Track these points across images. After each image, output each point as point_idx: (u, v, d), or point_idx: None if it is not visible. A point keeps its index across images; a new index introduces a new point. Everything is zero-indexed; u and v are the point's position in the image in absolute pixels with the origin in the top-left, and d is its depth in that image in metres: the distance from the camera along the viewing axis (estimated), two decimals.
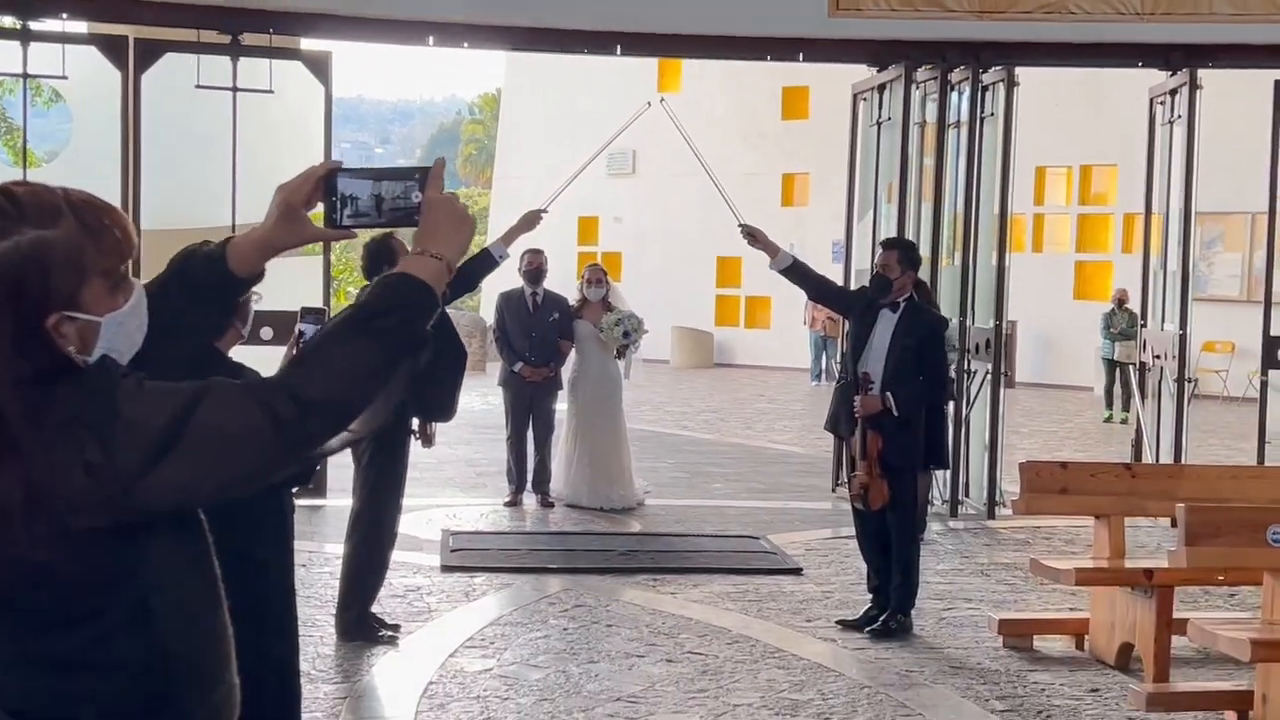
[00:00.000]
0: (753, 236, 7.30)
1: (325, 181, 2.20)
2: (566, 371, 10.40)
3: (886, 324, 6.98)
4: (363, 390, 1.96)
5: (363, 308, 2.02)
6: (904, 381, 6.87)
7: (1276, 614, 5.48)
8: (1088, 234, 22.84)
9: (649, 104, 8.59)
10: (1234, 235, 20.46)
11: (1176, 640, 6.15)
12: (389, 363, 1.98)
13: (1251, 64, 10.37)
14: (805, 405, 18.74)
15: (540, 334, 10.25)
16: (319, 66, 10.00)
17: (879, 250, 7.33)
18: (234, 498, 1.95)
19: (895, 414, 6.85)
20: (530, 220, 7.55)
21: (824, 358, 21.19)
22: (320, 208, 2.25)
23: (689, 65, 25.31)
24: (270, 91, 9.76)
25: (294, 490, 4.13)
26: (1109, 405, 17.51)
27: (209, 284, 2.23)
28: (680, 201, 23.56)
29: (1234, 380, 19.52)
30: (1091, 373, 19.64)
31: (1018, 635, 6.89)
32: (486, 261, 6.95)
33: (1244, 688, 5.70)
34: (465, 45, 10.42)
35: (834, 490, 10.71)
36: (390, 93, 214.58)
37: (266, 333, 9.42)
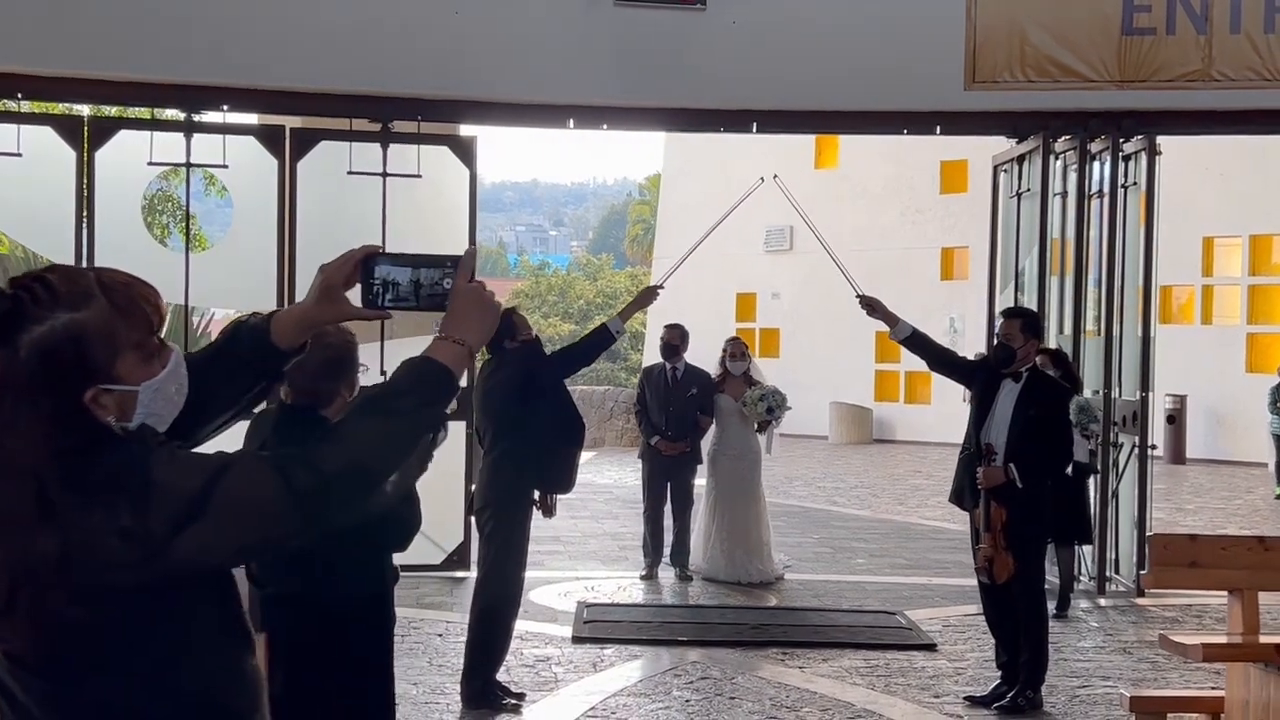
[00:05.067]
0: (871, 307, 7.32)
1: (364, 264, 2.36)
2: (706, 445, 10.49)
3: (1009, 394, 6.92)
4: (379, 466, 2.11)
5: (384, 388, 2.18)
6: (1028, 452, 6.78)
7: None
8: (1259, 305, 22.12)
9: (761, 180, 8.68)
10: None
11: None
12: (407, 441, 2.13)
13: None
14: None
15: (678, 408, 10.37)
16: (465, 150, 10.38)
17: (1000, 320, 7.27)
18: (257, 560, 2.09)
19: (1019, 485, 6.77)
20: (646, 297, 7.69)
21: None
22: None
23: (846, 141, 25.44)
24: (418, 176, 10.15)
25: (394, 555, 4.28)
26: None
27: (254, 354, 2.41)
28: (838, 276, 23.45)
29: None
30: (1265, 448, 18.92)
31: (1150, 713, 6.66)
32: (603, 337, 7.11)
33: None
34: (604, 127, 10.69)
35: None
36: (565, 175, 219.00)
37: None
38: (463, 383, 8.78)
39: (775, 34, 10.05)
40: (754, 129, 10.64)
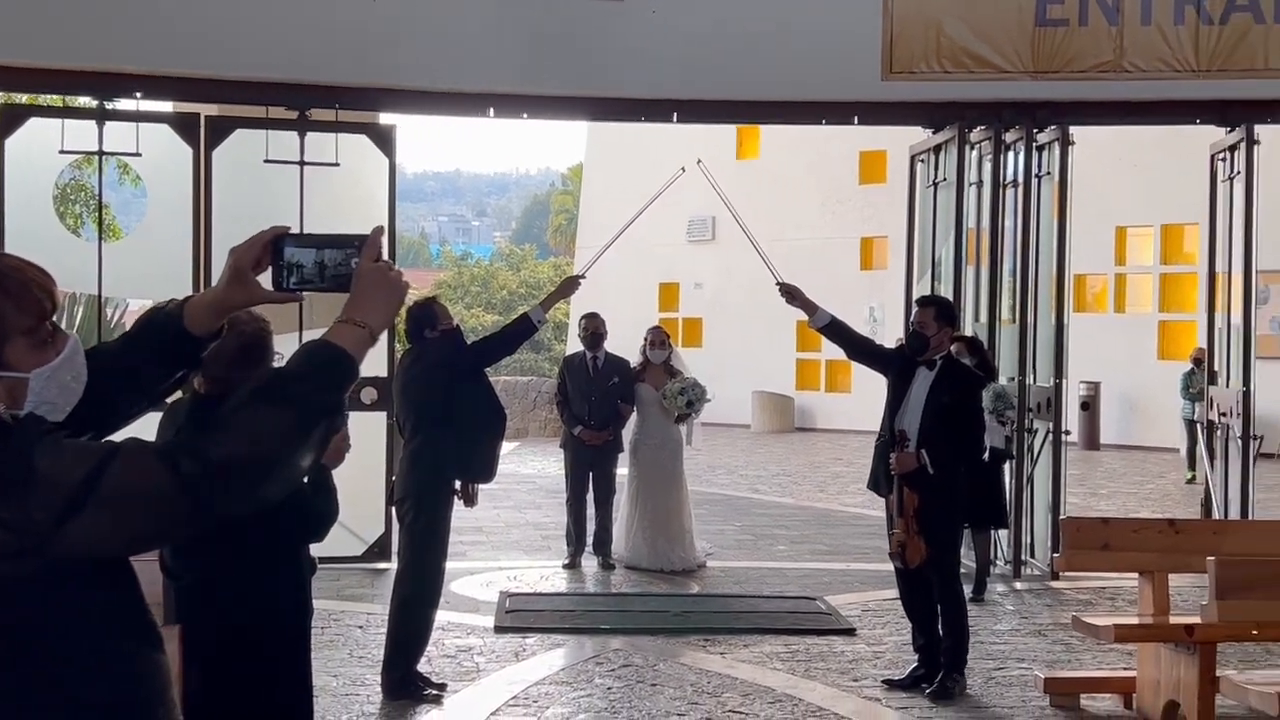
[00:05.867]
0: (790, 295, 7.38)
1: (273, 246, 2.33)
2: (627, 434, 10.52)
3: (923, 382, 7.00)
4: (273, 453, 2.03)
5: (279, 373, 2.12)
6: (939, 439, 6.87)
7: None
8: (1171, 293, 22.57)
9: (683, 169, 8.71)
10: None
11: (1229, 699, 6.06)
12: (302, 427, 2.06)
13: None
14: None
15: (600, 398, 10.39)
16: (384, 139, 10.30)
17: (915, 308, 7.36)
18: (151, 549, 2.04)
19: (930, 471, 6.86)
20: (568, 287, 7.69)
21: None
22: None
23: (767, 132, 25.57)
24: (336, 165, 10.06)
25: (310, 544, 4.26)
26: (1191, 466, 17.19)
27: (167, 341, 2.37)
28: (760, 266, 23.60)
29: None
30: (1176, 434, 19.30)
31: (1064, 694, 6.82)
32: (524, 327, 7.10)
33: None
34: (525, 116, 10.67)
35: None
36: (487, 165, 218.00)
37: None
38: (383, 369, 8.62)
39: (695, 24, 10.08)
40: (674, 119, 10.68)
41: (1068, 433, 10.51)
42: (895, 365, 7.18)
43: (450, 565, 7.28)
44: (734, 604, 9.25)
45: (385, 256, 2.30)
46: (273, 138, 9.97)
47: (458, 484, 6.83)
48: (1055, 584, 9.98)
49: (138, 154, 9.84)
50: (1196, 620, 6.02)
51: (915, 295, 11.23)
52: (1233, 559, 5.62)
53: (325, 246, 2.32)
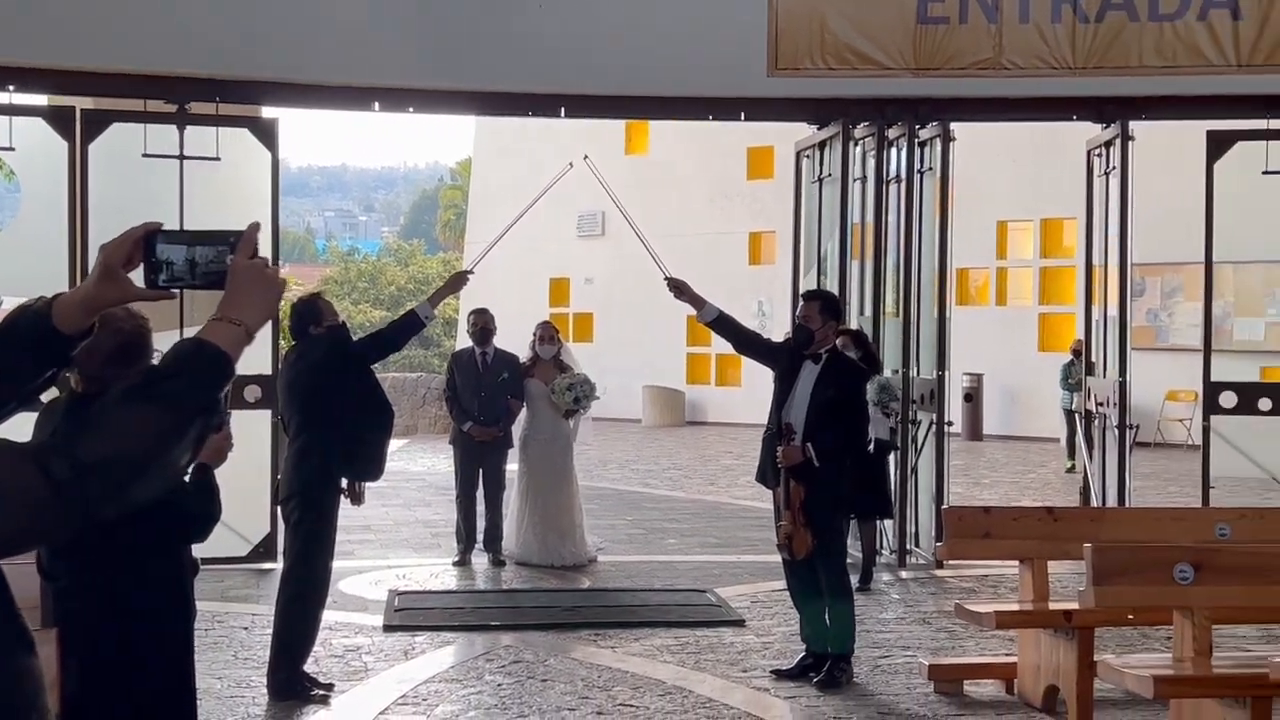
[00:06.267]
0: (679, 289, 7.43)
1: (145, 243, 2.28)
2: (517, 429, 10.49)
3: (809, 375, 7.08)
4: (145, 453, 1.99)
5: (151, 372, 2.08)
6: (824, 432, 6.95)
7: (1185, 651, 5.55)
8: (1050, 286, 23.07)
9: (570, 164, 8.71)
10: (1193, 285, 20.65)
11: (1107, 682, 6.20)
12: (176, 427, 2.02)
13: (1181, 115, 10.57)
14: None
15: (489, 393, 10.34)
16: (266, 133, 10.14)
17: (801, 302, 7.44)
18: (24, 551, 1.99)
19: (816, 464, 6.94)
20: (456, 282, 7.65)
21: None
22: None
23: (656, 127, 25.64)
24: (217, 159, 9.88)
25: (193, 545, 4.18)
26: (1070, 455, 17.59)
27: (36, 340, 2.31)
28: (649, 261, 23.65)
29: (1198, 428, 19.63)
30: (1057, 424, 19.75)
31: (948, 680, 6.95)
32: (412, 322, 7.04)
33: None
34: (410, 110, 10.59)
35: None
36: (374, 159, 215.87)
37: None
38: (267, 367, 8.50)
39: (583, 18, 10.09)
40: (562, 113, 10.67)
41: (950, 424, 10.69)
42: (782, 359, 7.26)
43: (338, 564, 7.22)
44: (624, 598, 9.27)
45: (263, 253, 2.27)
46: (151, 131, 9.77)
47: (344, 482, 6.76)
48: (939, 572, 10.16)
49: (11, 148, 9.58)
50: (1075, 606, 6.16)
51: (801, 290, 11.36)
52: (1109, 545, 5.76)
53: (198, 243, 2.28)
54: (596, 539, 11.02)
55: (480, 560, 10.40)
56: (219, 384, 2.09)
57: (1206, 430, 10.51)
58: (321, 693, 6.68)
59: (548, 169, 9.36)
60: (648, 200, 23.80)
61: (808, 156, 11.48)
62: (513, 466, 10.59)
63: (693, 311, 7.50)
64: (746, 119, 11.04)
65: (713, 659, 7.58)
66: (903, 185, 10.65)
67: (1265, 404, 10.30)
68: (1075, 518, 7.05)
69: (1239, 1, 9.74)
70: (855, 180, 10.84)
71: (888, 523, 10.50)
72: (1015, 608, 6.79)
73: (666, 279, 7.47)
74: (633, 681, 7.06)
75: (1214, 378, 10.39)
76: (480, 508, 10.49)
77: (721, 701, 6.72)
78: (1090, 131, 11.13)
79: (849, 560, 8.12)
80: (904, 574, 10.24)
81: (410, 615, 8.52)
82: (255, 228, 2.27)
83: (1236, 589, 5.51)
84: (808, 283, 11.30)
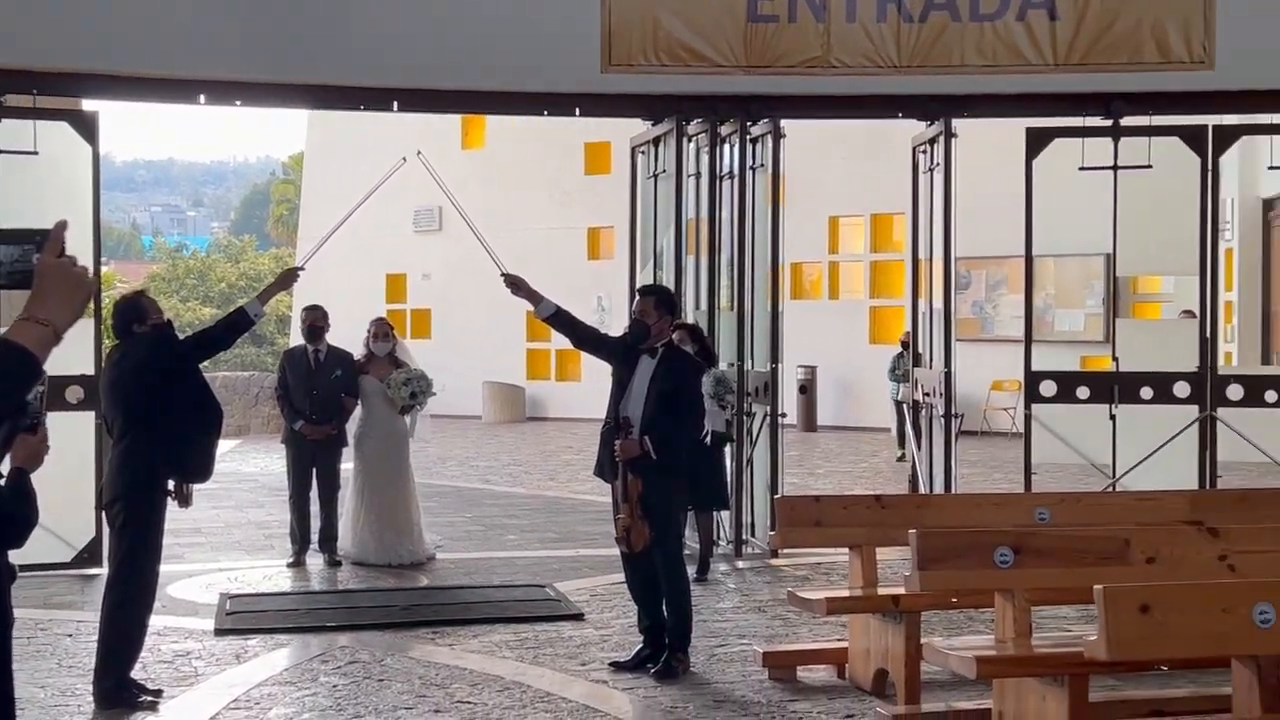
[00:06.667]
0: (516, 285, 7.42)
1: None
2: (352, 427, 10.36)
3: (646, 369, 7.14)
4: None
5: None
6: (661, 425, 7.02)
7: (1006, 633, 5.74)
8: (880, 280, 23.61)
9: (404, 160, 8.63)
10: (1016, 278, 21.31)
11: (934, 664, 6.38)
12: None
13: (1002, 113, 10.92)
14: None
15: (321, 391, 10.19)
16: (87, 127, 9.83)
17: (637, 297, 7.49)
18: None
19: (653, 457, 7.00)
20: (287, 279, 7.51)
21: None
22: None
23: (493, 122, 25.51)
24: (35, 153, 9.56)
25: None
26: (901, 444, 18.00)
27: None
28: (487, 256, 23.54)
29: (1021, 417, 20.29)
30: (887, 414, 20.22)
31: (782, 667, 7.08)
32: (240, 320, 6.89)
33: (986, 707, 5.95)
34: (238, 103, 10.38)
35: None
36: (203, 154, 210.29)
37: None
38: (89, 367, 8.26)
39: (417, 12, 10.00)
40: (395, 107, 10.57)
41: (784, 415, 10.88)
42: (619, 353, 7.30)
43: (167, 568, 7.05)
44: (463, 595, 9.23)
45: (83, 250, 2.22)
46: None
47: (171, 484, 6.60)
48: (775, 561, 10.33)
49: None
50: (902, 591, 6.33)
51: (638, 284, 11.45)
52: (933, 531, 5.93)
53: (2, 242, 2.22)
54: (435, 537, 10.95)
55: (315, 561, 10.25)
56: (26, 385, 2.04)
57: (1028, 418, 10.87)
58: (150, 699, 6.51)
59: (382, 163, 9.25)
60: (485, 195, 23.68)
61: (643, 152, 11.56)
62: (348, 465, 10.46)
63: (531, 307, 7.50)
64: (582, 115, 11.08)
65: (551, 653, 7.60)
66: (736, 181, 10.80)
67: (1084, 392, 10.70)
68: (902, 505, 7.23)
69: (1056, 3, 10.09)
70: (690, 176, 10.95)
71: (724, 514, 10.64)
72: (846, 594, 6.96)
73: (503, 275, 7.46)
74: (471, 678, 7.04)
75: (1035, 367, 10.75)
76: (315, 508, 10.33)
77: (560, 695, 6.74)
78: (916, 129, 11.42)
79: (686, 552, 8.20)
80: (740, 564, 10.39)
81: (242, 619, 8.36)
82: (62, 226, 2.23)
83: (1055, 571, 5.72)
84: (644, 278, 11.39)
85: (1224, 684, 4.85)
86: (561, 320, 7.42)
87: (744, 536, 10.69)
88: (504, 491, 15.18)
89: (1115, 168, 10.47)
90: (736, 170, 10.76)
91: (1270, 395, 10.48)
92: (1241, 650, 4.55)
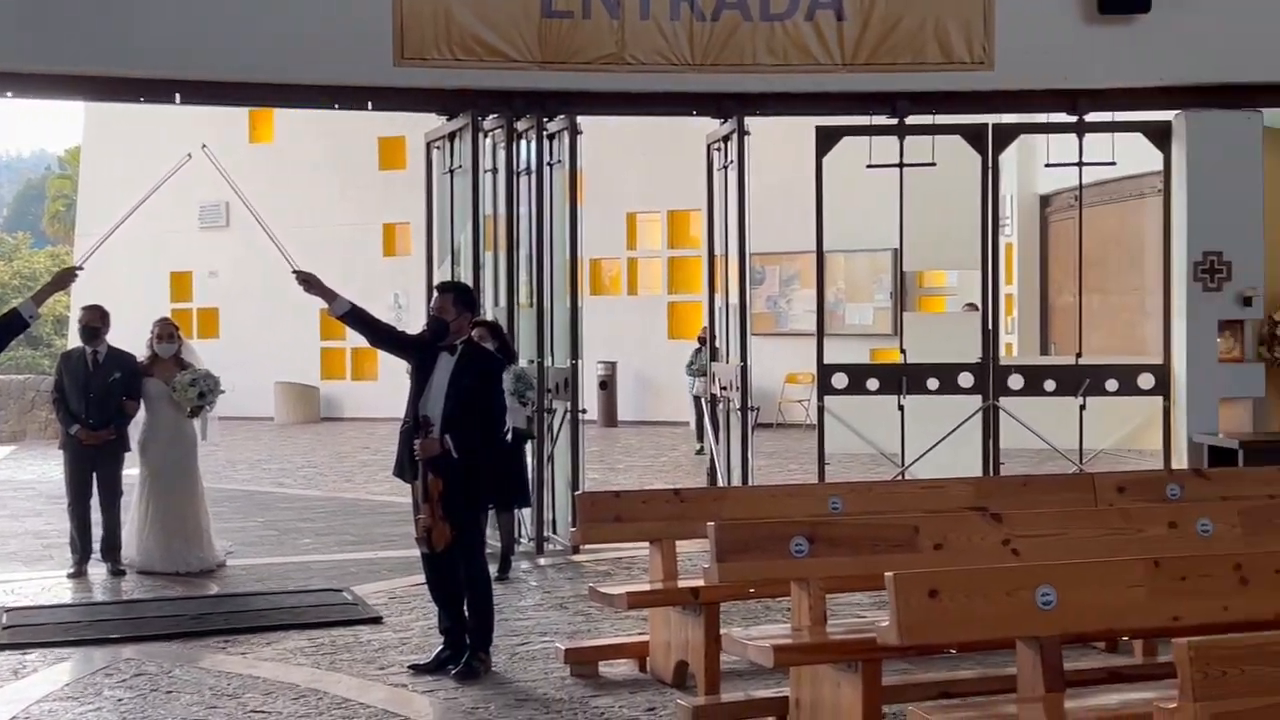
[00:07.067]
0: (308, 283, 7.24)
1: None
2: (135, 432, 9.98)
3: (445, 366, 7.05)
4: None
5: None
6: (462, 423, 6.94)
7: (802, 621, 5.84)
8: (678, 276, 23.87)
9: (189, 155, 8.34)
10: (809, 273, 21.79)
11: (733, 655, 6.44)
12: None
13: (793, 111, 11.10)
14: None
15: (99, 394, 9.78)
16: None
17: (434, 294, 7.39)
18: None
19: (454, 456, 6.92)
20: (63, 279, 7.19)
21: None
22: None
23: (282, 115, 24.91)
24: None
25: None
26: (699, 438, 18.24)
27: None
28: (278, 253, 22.96)
29: (815, 408, 20.75)
30: (686, 408, 20.45)
31: (583, 663, 7.07)
32: (13, 323, 6.55)
33: (783, 694, 6.04)
34: (9, 95, 9.90)
35: None
36: None
37: None
38: None
39: (199, 1, 9.67)
40: (176, 100, 10.21)
41: (585, 411, 10.88)
42: (418, 351, 7.20)
43: None
44: (255, 602, 8.98)
45: None
46: None
47: None
48: (576, 558, 10.33)
49: None
50: (701, 583, 6.38)
51: (435, 281, 11.31)
52: (730, 522, 5.99)
53: None
54: (225, 543, 10.63)
55: (98, 571, 9.84)
56: None
57: (821, 410, 11.10)
58: None
59: (166, 157, 8.92)
60: (275, 191, 23.14)
61: (438, 148, 11.43)
62: (133, 471, 10.07)
63: (325, 305, 7.33)
64: (374, 109, 10.90)
65: (349, 658, 7.44)
66: (533, 177, 10.76)
67: (873, 384, 10.98)
68: (700, 498, 7.28)
69: (843, 3, 10.32)
70: (486, 172, 10.86)
71: (526, 511, 10.59)
72: (646, 588, 6.98)
73: (295, 272, 7.26)
74: (264, 687, 6.84)
75: (827, 360, 10.99)
76: (96, 515, 9.91)
77: (358, 701, 6.60)
78: (710, 126, 11.54)
79: (488, 550, 8.13)
80: (542, 561, 10.36)
81: (21, 632, 7.98)
82: None
83: (847, 559, 5.84)
84: (442, 274, 11.26)
85: (1009, 665, 5.01)
86: (357, 318, 7.27)
87: (545, 533, 10.66)
88: (298, 494, 14.85)
89: (901, 165, 10.77)
90: (534, 166, 10.72)
91: (1049, 384, 10.92)
92: (1025, 631, 4.70)
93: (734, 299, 11.30)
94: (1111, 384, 10.89)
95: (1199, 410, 10.54)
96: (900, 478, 10.47)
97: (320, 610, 8.63)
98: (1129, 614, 4.87)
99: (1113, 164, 10.87)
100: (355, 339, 24.26)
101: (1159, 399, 10.81)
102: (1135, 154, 11.17)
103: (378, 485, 15.03)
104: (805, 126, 11.17)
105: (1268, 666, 3.58)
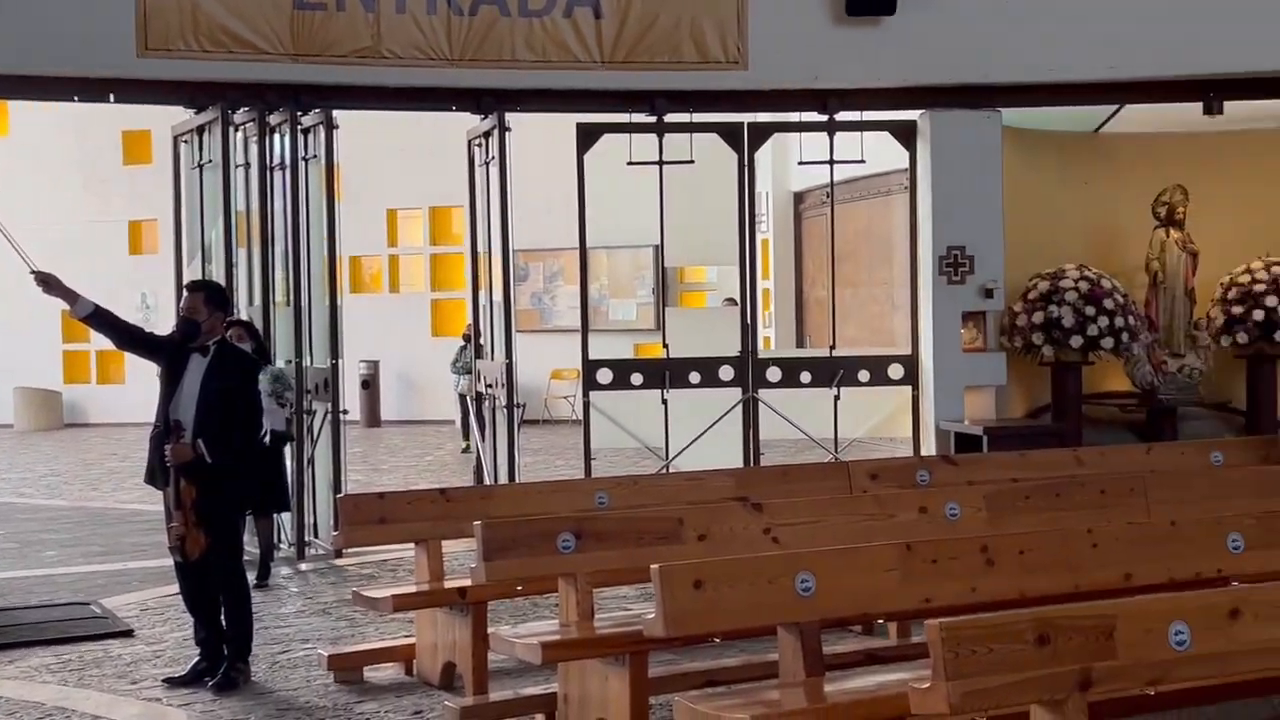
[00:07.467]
0: (48, 284, 6.90)
1: None
2: None
3: (197, 368, 6.82)
4: None
5: None
6: (216, 427, 6.72)
7: (570, 616, 5.85)
8: (440, 273, 23.66)
9: None
10: (572, 270, 21.86)
11: (501, 653, 6.40)
12: None
13: (553, 108, 11.10)
14: None
15: None
16: None
17: (185, 293, 7.13)
18: None
19: (208, 460, 6.69)
20: None
21: None
22: None
23: (18, 107, 23.67)
24: None
25: None
26: (465, 436, 18.14)
27: None
28: (12, 253, 21.83)
29: (580, 404, 20.87)
30: (452, 406, 20.30)
31: (348, 668, 6.94)
32: None
33: (552, 690, 6.04)
34: None
35: None
36: None
37: None
38: None
39: None
40: None
41: (346, 412, 10.68)
42: (168, 353, 6.94)
43: None
44: None
45: None
46: None
47: None
48: (339, 562, 10.14)
49: None
50: (468, 583, 6.33)
51: (186, 280, 10.92)
52: (497, 520, 5.97)
53: None
54: None
55: None
56: None
57: (587, 406, 11.15)
58: None
59: None
60: (12, 186, 22.04)
61: (186, 142, 11.04)
62: None
63: (67, 307, 6.99)
64: (117, 101, 10.42)
65: (98, 674, 7.13)
66: (288, 173, 10.49)
67: (638, 379, 11.08)
68: (466, 497, 7.22)
69: (600, 2, 10.36)
70: (238, 167, 10.54)
71: (285, 516, 10.33)
72: (412, 589, 6.89)
73: (33, 273, 6.89)
74: (7, 707, 6.50)
75: (592, 356, 11.04)
76: None
77: (109, 717, 6.35)
78: (472, 122, 11.46)
79: (245, 558, 7.88)
80: (303, 566, 10.13)
81: None
82: None
83: (614, 553, 5.87)
84: (192, 273, 10.88)
85: (772, 651, 5.12)
86: (101, 319, 6.95)
87: (306, 538, 10.42)
88: (41, 504, 14.18)
89: (660, 163, 10.89)
90: (288, 161, 10.46)
91: (805, 376, 11.22)
92: (786, 618, 4.81)
93: (498, 296, 11.26)
94: (863, 375, 11.25)
95: (945, 398, 10.97)
96: (665, 471, 10.60)
97: (66, 625, 8.24)
98: (884, 598, 5.04)
99: (862, 162, 11.22)
100: (100, 341, 23.33)
101: (908, 388, 11.22)
102: (883, 152, 11.56)
103: (126, 493, 14.46)
104: (567, 123, 11.19)
105: (1013, 644, 3.74)
